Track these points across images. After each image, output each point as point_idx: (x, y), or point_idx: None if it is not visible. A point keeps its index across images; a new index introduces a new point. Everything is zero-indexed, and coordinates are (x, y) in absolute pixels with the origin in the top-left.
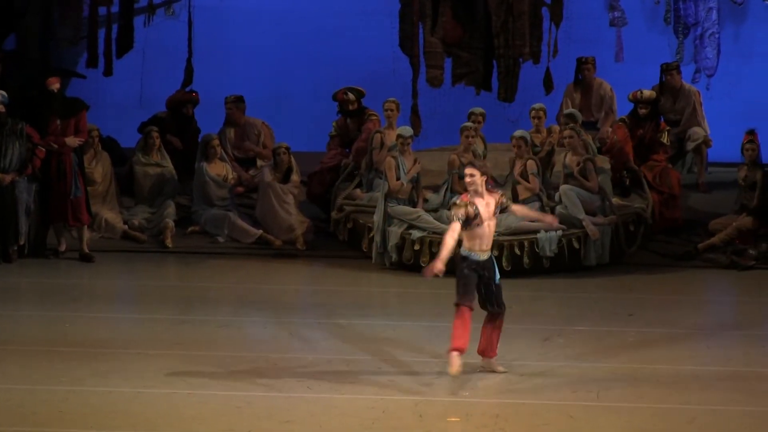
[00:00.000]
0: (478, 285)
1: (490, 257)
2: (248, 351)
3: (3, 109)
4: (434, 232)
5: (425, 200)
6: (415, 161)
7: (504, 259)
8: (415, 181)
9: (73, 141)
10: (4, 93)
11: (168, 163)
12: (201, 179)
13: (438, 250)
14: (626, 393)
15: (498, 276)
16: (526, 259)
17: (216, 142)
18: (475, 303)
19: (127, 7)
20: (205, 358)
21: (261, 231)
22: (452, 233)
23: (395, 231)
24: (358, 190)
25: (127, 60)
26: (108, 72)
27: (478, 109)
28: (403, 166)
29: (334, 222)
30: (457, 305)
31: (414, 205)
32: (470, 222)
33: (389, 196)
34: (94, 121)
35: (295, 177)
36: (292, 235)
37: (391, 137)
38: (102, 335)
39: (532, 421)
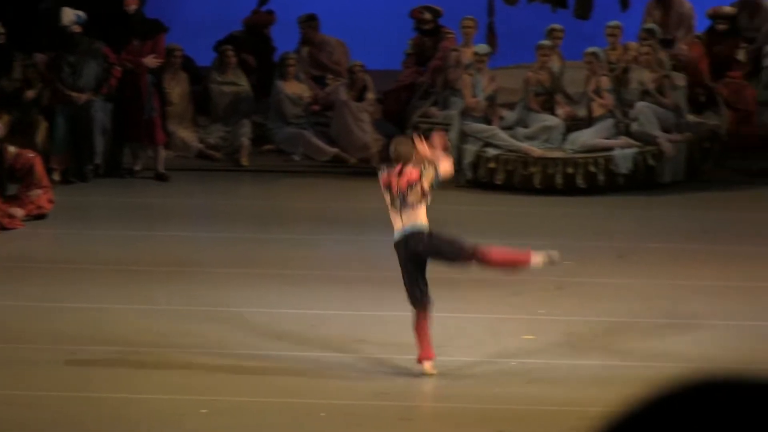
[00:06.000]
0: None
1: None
2: (321, 269)
3: (79, 29)
4: (510, 150)
5: (501, 118)
6: (491, 79)
7: (579, 177)
8: (491, 99)
9: (151, 61)
10: (80, 13)
11: (244, 82)
12: (277, 97)
13: (513, 167)
14: (700, 309)
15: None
16: (600, 177)
17: (292, 60)
18: None
19: None
20: (281, 276)
21: (336, 149)
22: None
23: (470, 149)
24: (433, 108)
25: None
26: None
27: (558, 26)
28: (479, 84)
29: None
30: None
31: (489, 123)
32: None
33: (465, 113)
34: (170, 40)
35: (370, 95)
36: (366, 153)
37: (467, 55)
38: (178, 254)
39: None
